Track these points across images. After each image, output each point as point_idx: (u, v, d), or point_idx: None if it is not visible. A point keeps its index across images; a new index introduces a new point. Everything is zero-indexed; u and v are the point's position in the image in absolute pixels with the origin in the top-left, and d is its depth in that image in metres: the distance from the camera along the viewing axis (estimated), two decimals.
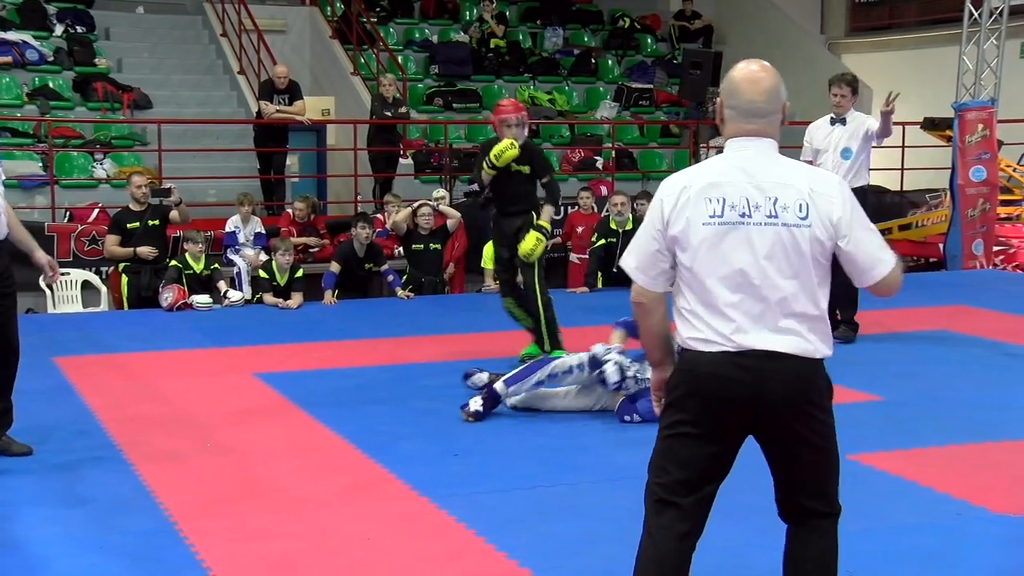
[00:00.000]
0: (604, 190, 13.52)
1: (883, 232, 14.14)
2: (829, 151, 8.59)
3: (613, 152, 15.35)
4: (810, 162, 8.24)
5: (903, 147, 15.10)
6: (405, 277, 11.09)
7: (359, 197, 13.37)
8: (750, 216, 3.22)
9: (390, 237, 11.73)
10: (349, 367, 7.85)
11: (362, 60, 15.71)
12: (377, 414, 6.58)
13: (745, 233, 3.22)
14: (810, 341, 3.24)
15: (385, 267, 10.88)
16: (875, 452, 5.73)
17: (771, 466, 3.39)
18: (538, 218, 7.70)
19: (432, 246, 11.12)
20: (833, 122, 8.66)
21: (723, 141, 3.39)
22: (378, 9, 17.00)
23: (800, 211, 3.20)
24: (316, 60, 16.43)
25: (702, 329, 3.26)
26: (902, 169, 15.27)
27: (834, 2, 19.91)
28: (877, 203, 15.02)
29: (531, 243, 7.58)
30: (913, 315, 9.71)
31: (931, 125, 14.90)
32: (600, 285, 11.06)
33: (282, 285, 10.44)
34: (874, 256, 3.28)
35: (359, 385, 7.31)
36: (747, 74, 3.35)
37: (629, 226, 10.83)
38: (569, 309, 10.12)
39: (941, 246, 13.90)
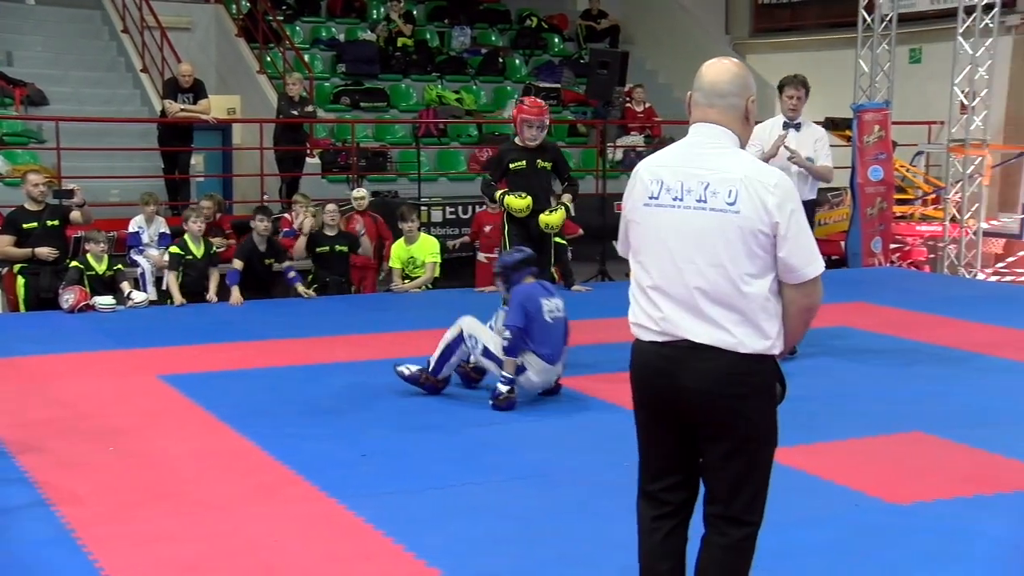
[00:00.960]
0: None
1: None
2: (783, 160, 7.84)
3: None
4: None
5: None
6: (311, 277, 11.01)
7: (266, 197, 13.23)
8: (682, 200, 3.22)
9: (296, 237, 11.63)
10: (256, 368, 7.76)
11: (268, 59, 15.54)
12: (284, 415, 6.52)
13: (675, 216, 3.23)
14: (734, 334, 3.19)
15: (286, 264, 10.78)
16: (778, 447, 5.83)
17: (702, 463, 3.36)
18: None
19: (338, 248, 11.04)
20: (786, 126, 8.00)
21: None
22: (284, 7, 16.83)
23: (729, 197, 3.17)
24: (222, 58, 16.22)
25: (638, 313, 3.31)
26: None
27: (738, 3, 20.19)
28: None
29: (559, 217, 8.04)
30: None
31: (832, 125, 15.22)
32: None
33: (199, 257, 10.30)
34: (809, 255, 3.23)
35: (266, 386, 7.23)
36: (715, 61, 3.41)
37: None
38: (477, 308, 10.12)
39: (843, 243, 14.21)
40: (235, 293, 10.25)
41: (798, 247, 3.19)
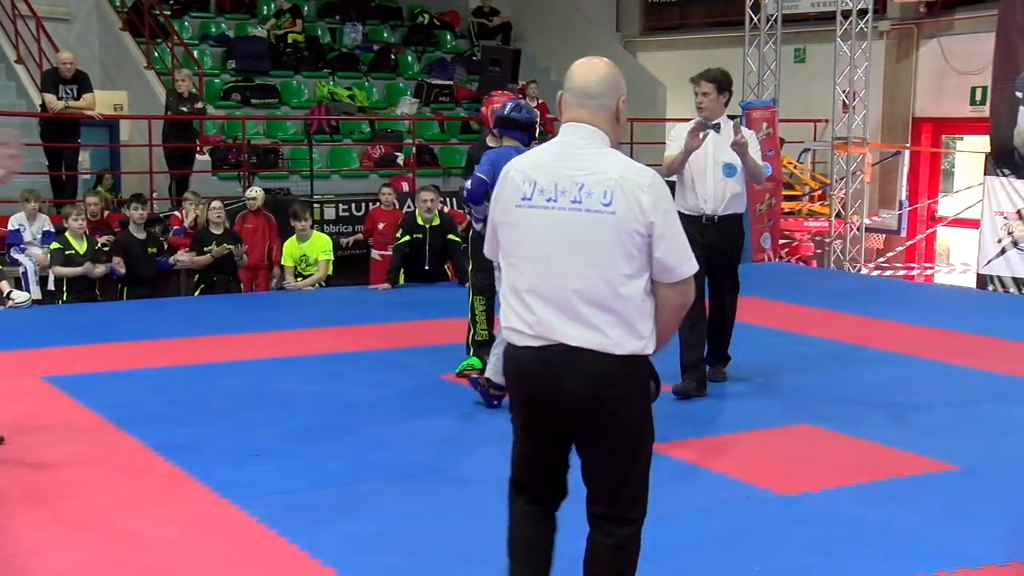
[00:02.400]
0: (405, 186, 13.51)
1: None
2: (708, 166, 6.79)
3: (414, 148, 15.35)
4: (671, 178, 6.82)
5: None
6: (197, 276, 10.84)
7: (155, 195, 12.97)
8: (555, 201, 3.20)
9: (187, 235, 11.44)
10: (145, 368, 7.61)
11: (156, 54, 15.23)
12: (174, 416, 6.41)
13: (550, 217, 3.20)
14: (610, 336, 3.18)
15: (161, 258, 10.61)
16: (670, 442, 5.91)
17: (581, 466, 3.37)
18: None
19: (225, 246, 10.86)
20: (706, 127, 6.86)
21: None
22: (172, 2, 16.52)
23: (604, 197, 3.15)
24: (106, 52, 15.82)
25: (511, 317, 3.28)
26: None
27: (629, 2, 20.41)
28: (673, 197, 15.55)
29: None
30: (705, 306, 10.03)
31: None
32: (403, 281, 11.05)
33: (81, 254, 10.07)
34: (684, 254, 3.23)
35: (155, 387, 7.10)
36: (585, 61, 3.38)
37: (437, 222, 10.85)
38: (371, 306, 10.10)
39: None
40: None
41: (674, 247, 3.19)
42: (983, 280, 13.30)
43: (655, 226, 3.15)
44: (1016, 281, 12.92)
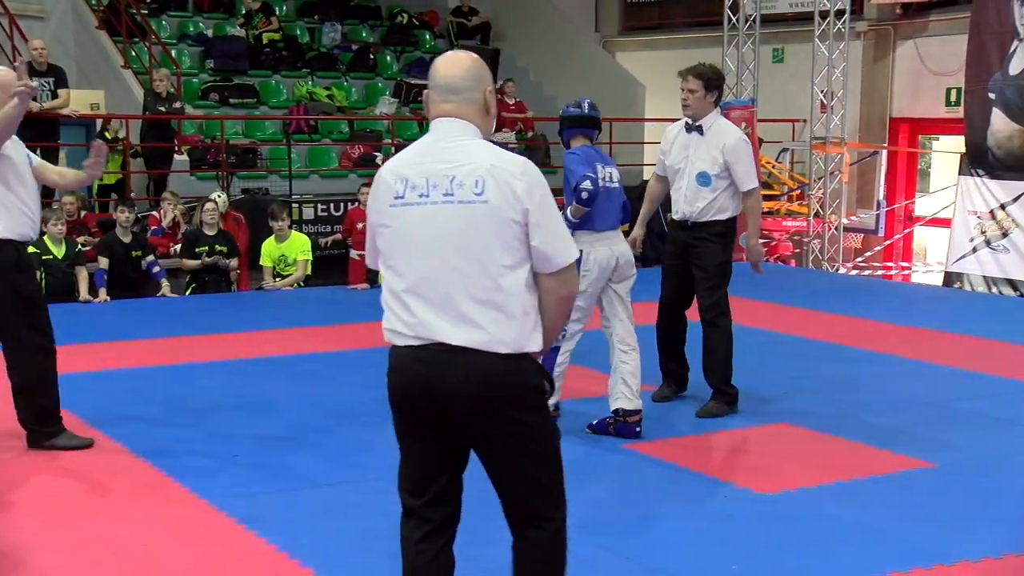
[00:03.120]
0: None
1: None
2: (685, 172, 6.46)
3: (393, 148, 15.30)
4: (664, 178, 6.72)
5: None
6: (188, 276, 10.81)
7: (132, 194, 12.91)
8: (428, 195, 3.10)
9: (166, 235, 11.40)
10: (122, 369, 7.59)
11: (133, 53, 15.16)
12: (152, 416, 6.39)
13: (424, 213, 3.10)
14: (493, 333, 3.05)
15: (150, 258, 10.55)
16: (649, 441, 5.94)
17: (487, 473, 3.23)
18: None
19: (218, 248, 10.79)
20: (689, 129, 6.44)
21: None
22: (149, 1, 16.44)
23: (476, 187, 3.06)
24: (82, 51, 15.73)
25: (392, 320, 3.17)
26: None
27: (608, 2, 20.44)
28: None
29: None
30: None
31: None
32: (381, 282, 11.02)
33: (60, 258, 10.02)
34: (562, 243, 3.12)
35: (133, 387, 7.08)
36: (448, 55, 3.29)
37: None
38: (350, 306, 10.09)
39: None
40: (101, 294, 10.01)
41: (551, 234, 3.09)
42: (950, 278, 13.40)
43: (530, 213, 3.06)
44: (986, 280, 13.02)
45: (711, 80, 6.37)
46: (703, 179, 6.39)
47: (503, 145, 7.48)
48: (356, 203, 12.09)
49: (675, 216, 6.65)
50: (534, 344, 3.13)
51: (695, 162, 6.41)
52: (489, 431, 3.12)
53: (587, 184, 5.79)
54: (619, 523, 4.76)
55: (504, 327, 3.06)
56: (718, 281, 6.60)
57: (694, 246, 6.54)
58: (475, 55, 3.29)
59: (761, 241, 12.95)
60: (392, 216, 3.16)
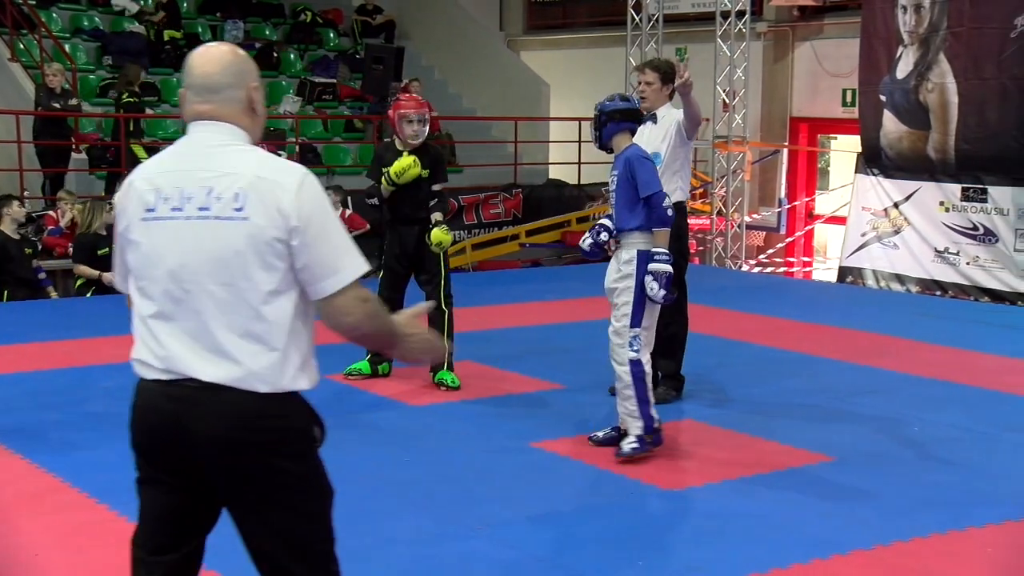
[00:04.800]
0: None
1: (562, 224, 14.64)
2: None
3: (297, 147, 15.19)
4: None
5: (579, 142, 15.75)
6: (85, 279, 10.58)
7: (26, 193, 12.59)
8: (181, 210, 2.71)
9: (64, 235, 11.16)
10: (17, 372, 7.40)
11: (21, 46, 14.73)
12: (48, 421, 6.24)
13: (176, 230, 2.71)
14: (252, 369, 2.67)
15: (35, 264, 10.30)
16: (557, 439, 5.98)
17: (241, 533, 2.82)
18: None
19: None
20: (643, 120, 6.65)
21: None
22: None
23: (236, 201, 2.66)
24: None
25: (140, 349, 2.79)
26: (579, 163, 15.92)
27: (512, 1, 20.50)
28: (557, 196, 15.71)
29: (441, 234, 6.93)
30: (590, 304, 10.14)
31: None
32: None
33: None
34: (331, 264, 2.70)
35: (29, 391, 6.91)
36: (203, 49, 2.88)
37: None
38: None
39: None
40: None
41: (324, 255, 2.69)
42: (844, 272, 13.72)
43: (298, 232, 2.66)
44: (876, 274, 13.35)
45: (667, 73, 6.63)
46: (655, 159, 6.42)
47: (404, 148, 7.31)
48: None
49: None
50: (301, 382, 2.74)
51: (648, 147, 6.42)
52: (246, 485, 2.71)
53: (667, 201, 5.56)
54: (526, 521, 4.78)
55: (264, 362, 2.67)
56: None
57: None
58: (237, 48, 2.91)
59: None
60: (143, 231, 2.75)
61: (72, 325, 9.00)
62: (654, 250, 5.53)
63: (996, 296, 12.09)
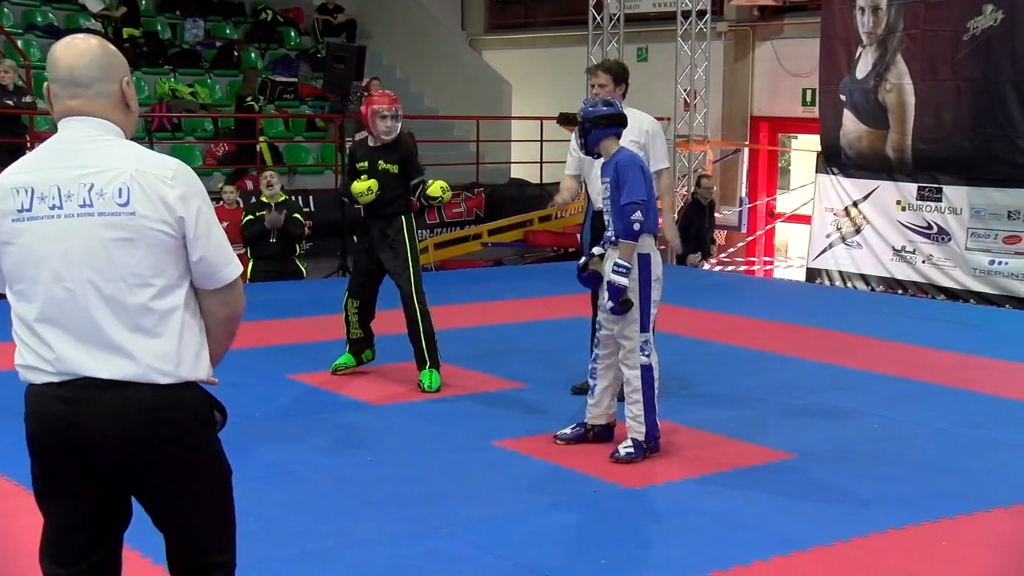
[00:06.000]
0: (250, 184, 13.31)
1: (524, 224, 14.67)
2: (596, 164, 6.24)
3: (259, 146, 15.12)
4: (577, 176, 6.87)
5: (541, 141, 15.78)
6: None
7: None
8: (61, 207, 2.67)
9: None
10: None
11: None
12: (0, 424, 6.17)
13: (56, 228, 2.67)
14: (147, 363, 2.67)
15: None
16: (519, 438, 5.99)
17: (154, 519, 2.86)
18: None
19: None
20: None
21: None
22: None
23: (119, 196, 2.66)
24: None
25: (26, 355, 2.73)
26: (541, 162, 15.95)
27: (473, 0, 20.50)
28: (519, 195, 15.74)
29: (439, 186, 7.05)
30: (552, 303, 10.19)
31: (565, 120, 15.66)
32: (251, 263, 10.87)
33: None
34: (223, 256, 2.77)
35: None
36: (67, 41, 2.82)
37: (281, 198, 10.94)
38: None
39: (579, 236, 14.64)
40: None
41: (210, 246, 2.74)
42: (812, 274, 13.83)
43: (186, 224, 2.70)
44: (842, 275, 13.47)
45: (619, 74, 6.66)
46: None
47: (375, 144, 7.28)
48: (220, 202, 11.89)
49: (597, 207, 6.53)
50: (200, 371, 2.77)
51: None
52: (149, 473, 2.73)
53: (639, 215, 5.46)
54: (488, 520, 4.78)
55: (160, 355, 2.68)
56: None
57: None
58: (104, 41, 2.85)
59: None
60: (16, 232, 2.69)
61: None
62: (616, 260, 5.51)
63: (951, 294, 12.23)
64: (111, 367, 2.67)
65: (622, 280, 5.46)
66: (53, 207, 2.67)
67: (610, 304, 5.49)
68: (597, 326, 5.90)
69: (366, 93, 16.05)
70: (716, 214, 15.97)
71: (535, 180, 16.19)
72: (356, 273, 7.31)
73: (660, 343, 5.64)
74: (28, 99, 12.82)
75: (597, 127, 5.65)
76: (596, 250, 5.87)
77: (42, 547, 2.83)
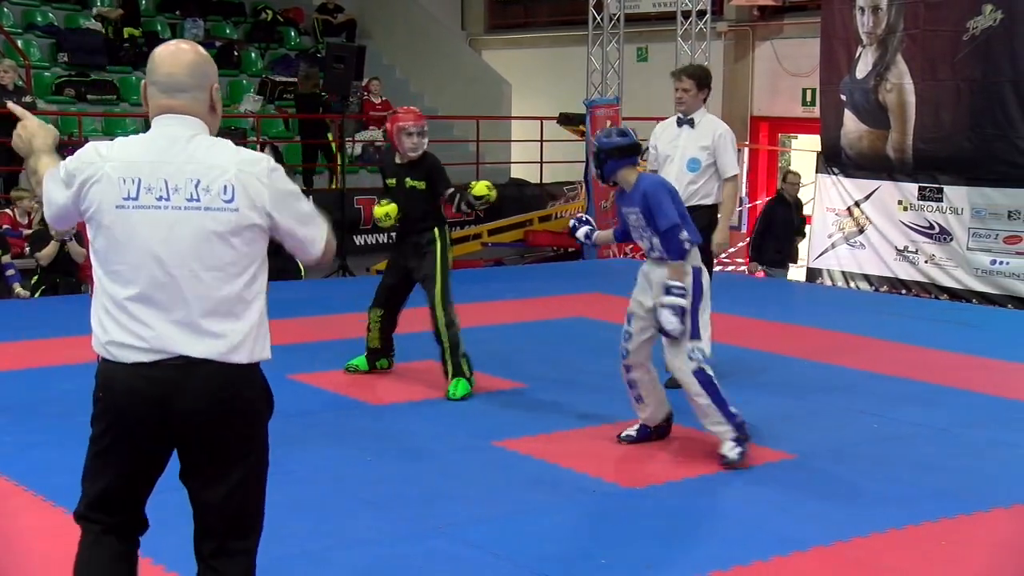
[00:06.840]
0: None
1: (524, 224, 14.71)
2: (675, 158, 7.02)
3: (258, 146, 15.12)
4: (655, 171, 7.02)
5: (541, 141, 15.77)
6: (36, 278, 10.46)
7: None
8: (168, 199, 2.89)
9: (21, 235, 11.03)
10: None
11: None
12: (3, 424, 6.17)
13: (162, 218, 2.89)
14: (230, 343, 2.93)
15: (6, 259, 10.17)
16: (519, 438, 5.98)
17: (191, 492, 3.08)
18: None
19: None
20: (680, 123, 7.11)
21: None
22: None
23: (224, 193, 2.90)
24: None
25: (114, 331, 2.92)
26: (541, 162, 15.94)
27: (473, 0, 20.50)
28: (519, 195, 15.73)
29: (484, 186, 6.95)
30: (552, 303, 10.19)
31: (566, 120, 15.73)
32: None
33: None
34: (310, 236, 3.08)
35: None
36: (168, 48, 3.07)
37: None
38: None
39: None
40: None
41: (297, 237, 3.07)
42: (813, 274, 13.81)
43: (276, 220, 2.98)
44: (845, 275, 13.46)
45: (703, 79, 7.04)
46: (693, 165, 6.95)
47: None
48: None
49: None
50: (267, 352, 3.05)
51: (685, 151, 6.96)
52: (218, 445, 2.97)
53: (685, 235, 5.53)
54: (488, 520, 4.78)
55: (242, 335, 2.95)
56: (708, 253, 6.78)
57: None
58: (199, 47, 3.10)
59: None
60: (120, 218, 2.91)
61: (26, 326, 8.90)
62: (670, 283, 5.51)
63: (953, 294, 12.22)
64: (203, 347, 2.90)
65: (684, 302, 5.50)
66: (160, 198, 2.90)
67: (680, 328, 5.49)
68: (625, 336, 5.91)
69: (366, 93, 16.13)
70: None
71: (535, 180, 16.19)
72: (383, 284, 7.23)
73: (660, 343, 5.64)
74: (28, 99, 12.80)
75: (612, 157, 5.66)
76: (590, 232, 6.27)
77: (86, 496, 3.09)
